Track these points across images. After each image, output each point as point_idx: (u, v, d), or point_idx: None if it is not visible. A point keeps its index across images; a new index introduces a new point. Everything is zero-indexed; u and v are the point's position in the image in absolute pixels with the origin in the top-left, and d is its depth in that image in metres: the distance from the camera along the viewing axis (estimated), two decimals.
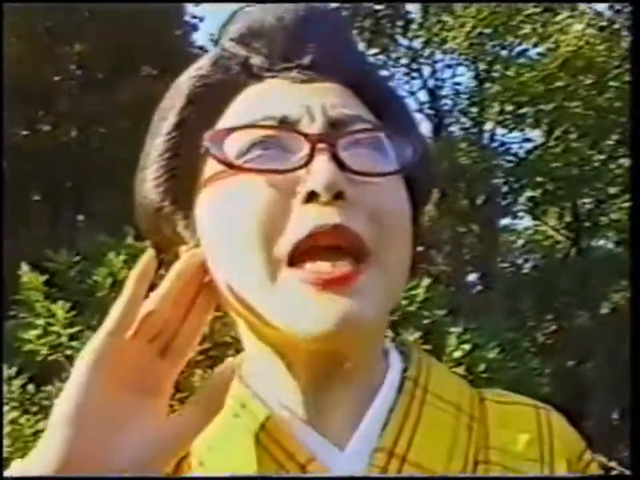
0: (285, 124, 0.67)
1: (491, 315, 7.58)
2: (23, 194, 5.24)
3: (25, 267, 3.21)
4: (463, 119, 11.26)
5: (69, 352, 2.85)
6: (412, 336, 2.57)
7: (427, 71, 11.63)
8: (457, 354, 2.67)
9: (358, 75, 0.72)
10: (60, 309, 2.87)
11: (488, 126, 11.05)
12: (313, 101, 0.68)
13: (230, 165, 0.67)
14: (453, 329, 2.83)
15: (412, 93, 11.89)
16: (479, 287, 10.51)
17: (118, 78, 7.20)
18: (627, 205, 11.77)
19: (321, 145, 0.65)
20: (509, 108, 10.30)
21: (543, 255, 13.38)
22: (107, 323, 0.66)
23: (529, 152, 11.02)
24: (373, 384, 0.73)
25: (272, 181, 0.66)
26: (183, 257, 0.70)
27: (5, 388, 2.85)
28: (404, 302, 2.75)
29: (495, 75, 10.31)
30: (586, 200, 11.50)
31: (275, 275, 0.66)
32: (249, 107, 0.70)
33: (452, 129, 11.69)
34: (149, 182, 0.74)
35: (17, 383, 2.85)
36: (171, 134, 0.72)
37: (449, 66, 11.39)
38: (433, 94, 11.66)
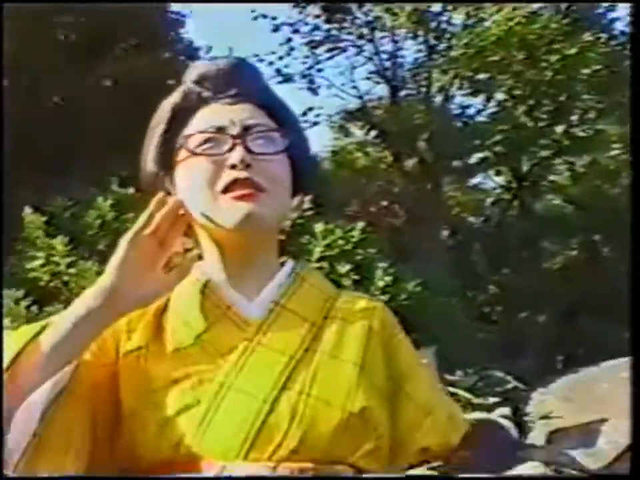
0: (219, 129, 1.21)
1: (434, 261, 8.12)
2: (22, 151, 5.70)
3: (27, 210, 3.68)
4: (420, 83, 11.57)
5: (66, 278, 3.31)
6: (344, 268, 3.08)
7: (383, 39, 11.88)
8: (381, 283, 3.19)
9: (264, 99, 1.26)
10: (59, 243, 3.34)
11: (436, 89, 11.40)
12: (235, 115, 1.21)
13: (192, 153, 1.21)
14: (380, 264, 3.34)
15: (369, 59, 12.14)
16: (430, 238, 11.00)
17: (100, 50, 7.52)
18: (563, 167, 12.40)
19: (237, 140, 1.19)
20: (466, 74, 10.73)
21: (492, 212, 13.82)
22: (137, 223, 1.14)
23: (475, 116, 11.47)
24: (272, 269, 1.26)
25: (213, 159, 1.20)
26: (170, 199, 1.20)
27: (13, 307, 3.29)
28: (341, 242, 3.26)
29: (443, 46, 10.72)
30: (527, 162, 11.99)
31: (216, 197, 1.18)
32: (201, 120, 1.23)
33: (406, 92, 12.00)
34: (149, 161, 1.27)
35: (23, 304, 3.29)
36: (162, 135, 1.25)
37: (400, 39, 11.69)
38: (390, 59, 11.94)
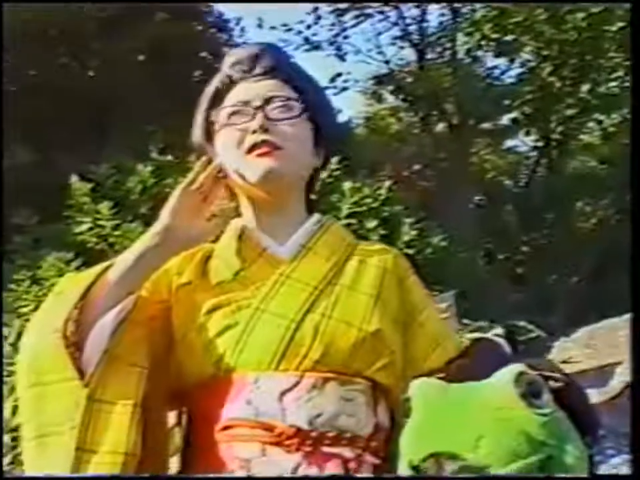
0: (245, 103, 1.37)
1: (462, 220, 8.23)
2: (63, 121, 5.94)
3: (74, 178, 3.90)
4: (445, 46, 11.56)
5: (111, 240, 3.54)
6: (371, 224, 3.25)
7: (408, 3, 11.84)
8: (406, 237, 3.36)
9: (288, 74, 1.43)
10: (105, 207, 3.56)
11: (462, 52, 11.38)
12: (259, 90, 1.37)
13: (224, 124, 1.38)
14: (406, 220, 3.51)
15: (395, 24, 12.13)
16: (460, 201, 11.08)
17: (134, 23, 7.69)
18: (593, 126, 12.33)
19: (258, 110, 1.35)
20: (491, 36, 10.72)
21: (523, 173, 13.83)
22: (185, 179, 1.34)
23: (502, 77, 11.45)
24: (301, 220, 1.45)
25: (239, 127, 1.38)
26: (214, 162, 1.40)
27: (64, 268, 3.52)
28: (368, 199, 3.43)
29: (466, 9, 10.70)
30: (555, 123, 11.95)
31: (244, 157, 1.38)
32: (232, 97, 1.39)
33: (432, 56, 11.98)
34: (196, 134, 1.46)
35: (74, 264, 3.53)
36: (203, 113, 1.45)
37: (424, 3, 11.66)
38: (415, 23, 11.93)
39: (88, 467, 1.17)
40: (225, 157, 1.38)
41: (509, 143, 14.10)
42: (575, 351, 3.47)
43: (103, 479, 1.19)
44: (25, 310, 3.54)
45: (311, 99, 1.41)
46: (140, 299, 1.32)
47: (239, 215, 1.45)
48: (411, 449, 1.10)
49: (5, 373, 2.97)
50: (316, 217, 1.46)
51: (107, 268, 1.31)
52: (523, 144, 13.52)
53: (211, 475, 1.24)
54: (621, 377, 3.09)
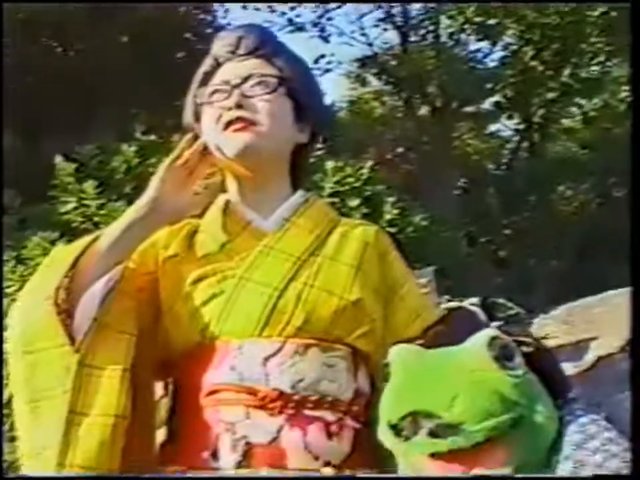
0: (225, 82, 1.41)
1: (444, 201, 8.29)
2: (47, 103, 5.94)
3: (58, 158, 3.91)
4: (428, 29, 11.57)
5: (96, 219, 3.56)
6: (354, 203, 3.30)
7: None
8: (388, 216, 3.40)
9: (270, 53, 1.45)
10: (89, 187, 3.58)
11: (445, 35, 11.39)
12: (239, 69, 1.41)
13: (204, 103, 1.42)
14: (388, 199, 3.55)
15: (378, 7, 12.09)
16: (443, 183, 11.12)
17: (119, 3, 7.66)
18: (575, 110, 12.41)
19: (235, 88, 1.39)
20: (474, 19, 10.74)
21: (505, 157, 13.89)
22: (172, 154, 1.37)
23: (484, 61, 11.51)
24: (286, 195, 1.48)
25: (218, 105, 1.39)
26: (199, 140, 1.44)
27: (48, 247, 3.52)
28: (351, 179, 3.47)
29: None
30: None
31: (222, 133, 1.40)
32: (216, 77, 1.43)
33: (415, 38, 11.97)
34: (186, 115, 1.49)
35: (59, 243, 3.55)
36: (192, 95, 1.47)
37: None
38: (401, 4, 11.90)
39: (80, 429, 1.22)
40: (207, 134, 1.42)
41: (492, 127, 14.15)
42: (553, 327, 3.56)
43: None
44: (10, 290, 3.55)
45: (293, 77, 1.44)
46: (127, 270, 1.35)
47: (224, 190, 1.49)
48: (389, 409, 1.15)
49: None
50: (300, 192, 1.49)
51: (95, 239, 1.35)
52: (505, 128, 13.58)
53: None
54: (595, 351, 3.18)
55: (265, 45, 1.45)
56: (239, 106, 1.38)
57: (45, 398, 1.25)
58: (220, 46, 1.47)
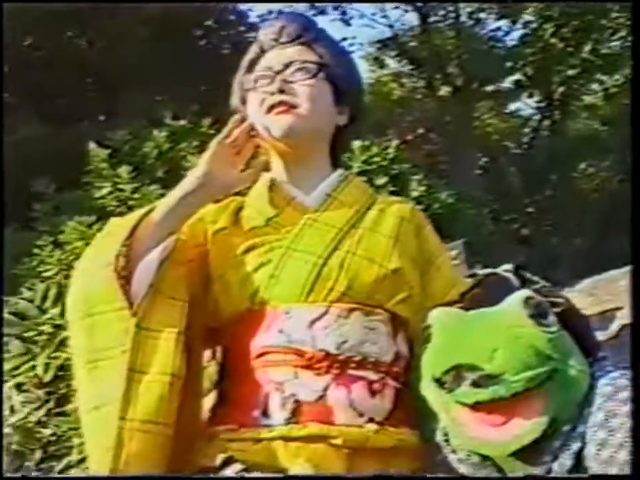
0: (268, 68, 1.48)
1: (468, 180, 8.31)
2: (78, 91, 6.04)
3: (92, 145, 4.00)
4: (448, 9, 11.52)
5: (131, 203, 3.64)
6: (381, 181, 3.36)
7: None
8: (415, 194, 3.46)
9: (310, 39, 1.52)
10: (124, 171, 3.66)
11: (465, 14, 11.34)
12: (282, 56, 1.49)
13: (250, 88, 1.50)
14: (414, 177, 3.61)
15: None
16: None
17: None
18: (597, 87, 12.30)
19: (277, 74, 1.46)
20: None
21: (525, 135, 13.82)
22: (221, 133, 1.44)
23: (504, 39, 11.45)
24: (326, 173, 1.55)
25: (263, 90, 1.47)
26: (247, 121, 1.52)
27: (86, 230, 3.60)
28: (377, 158, 3.53)
29: None
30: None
31: (266, 116, 1.48)
32: (260, 64, 1.51)
33: (435, 19, 11.94)
34: (234, 98, 1.57)
35: (95, 227, 3.63)
36: (238, 80, 1.55)
37: None
38: None
39: (139, 385, 1.28)
40: (253, 117, 1.50)
41: (512, 106, 14.08)
42: (578, 299, 3.62)
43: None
44: (48, 274, 3.64)
45: (333, 62, 1.51)
46: (179, 241, 1.43)
47: (268, 169, 1.56)
48: (433, 365, 1.22)
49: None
50: (339, 170, 1.57)
51: (150, 210, 1.43)
52: (526, 106, 13.51)
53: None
54: (620, 320, 3.25)
55: (306, 32, 1.52)
56: (281, 91, 1.45)
57: (104, 358, 1.31)
58: (264, 34, 1.54)
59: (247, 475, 1.29)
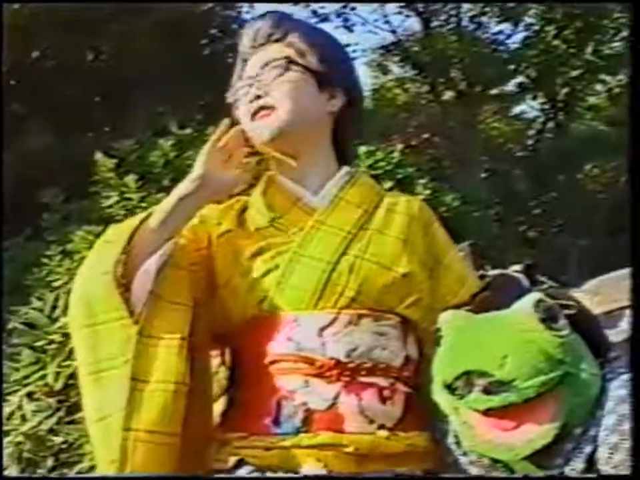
0: (249, 77, 1.47)
1: (473, 183, 8.28)
2: (82, 101, 6.06)
3: (98, 155, 3.99)
4: (450, 13, 11.51)
5: (138, 211, 3.62)
6: (387, 184, 3.34)
7: None
8: (421, 197, 3.44)
9: (282, 33, 1.47)
10: (131, 180, 3.65)
11: (467, 18, 11.32)
12: (259, 59, 1.47)
13: (237, 99, 1.49)
14: (420, 181, 3.59)
15: None
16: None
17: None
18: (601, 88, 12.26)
19: (254, 80, 1.45)
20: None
21: (530, 137, 13.77)
22: (211, 139, 1.43)
23: (507, 42, 11.43)
24: (332, 171, 1.52)
25: (245, 99, 1.46)
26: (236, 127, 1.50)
27: (94, 240, 3.60)
28: (382, 163, 3.52)
29: None
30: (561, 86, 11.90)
31: (252, 123, 1.45)
32: (246, 72, 1.49)
33: (438, 23, 11.92)
34: (233, 108, 1.54)
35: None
36: (231, 90, 1.52)
37: None
38: None
39: (142, 395, 1.26)
40: (245, 127, 1.47)
41: (517, 108, 14.04)
42: (584, 298, 3.59)
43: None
44: (58, 283, 3.62)
45: (309, 49, 1.47)
46: (179, 245, 1.40)
47: (268, 168, 1.54)
48: (444, 370, 1.20)
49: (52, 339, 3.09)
50: (346, 168, 1.53)
51: (148, 216, 1.39)
52: (530, 109, 13.47)
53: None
54: (629, 318, 3.25)
55: (277, 29, 1.49)
56: (258, 97, 1.44)
57: (107, 368, 1.29)
58: (242, 44, 1.52)
59: (257, 475, 1.29)
